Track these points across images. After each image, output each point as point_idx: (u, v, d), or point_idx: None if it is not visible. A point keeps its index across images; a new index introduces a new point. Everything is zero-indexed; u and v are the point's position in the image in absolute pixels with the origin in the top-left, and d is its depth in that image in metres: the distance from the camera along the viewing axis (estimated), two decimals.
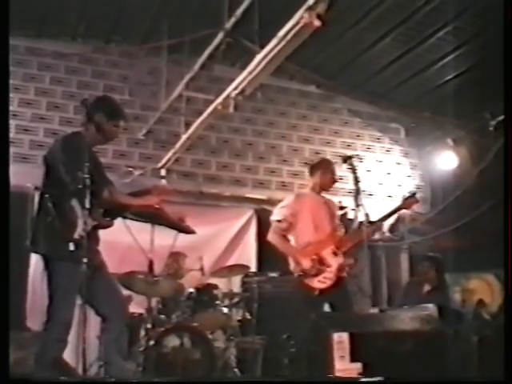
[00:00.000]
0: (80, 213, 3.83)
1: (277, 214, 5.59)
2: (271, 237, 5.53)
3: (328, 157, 8.89)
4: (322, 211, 5.53)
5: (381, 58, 8.00)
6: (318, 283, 5.24)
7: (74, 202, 3.87)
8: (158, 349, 5.40)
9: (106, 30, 7.96)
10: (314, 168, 5.71)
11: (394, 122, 9.61)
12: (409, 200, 5.59)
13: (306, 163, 5.58)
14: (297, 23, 4.69)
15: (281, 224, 5.49)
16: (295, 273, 5.36)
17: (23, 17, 6.77)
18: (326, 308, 5.36)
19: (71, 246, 3.79)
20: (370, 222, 5.40)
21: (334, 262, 5.29)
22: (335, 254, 5.30)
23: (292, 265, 5.42)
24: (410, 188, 9.36)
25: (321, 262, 5.28)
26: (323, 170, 5.63)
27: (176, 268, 6.70)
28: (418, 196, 5.68)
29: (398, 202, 5.66)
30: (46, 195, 3.99)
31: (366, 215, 5.08)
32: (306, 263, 5.27)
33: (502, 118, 7.61)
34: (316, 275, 5.25)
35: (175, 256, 6.58)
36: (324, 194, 5.69)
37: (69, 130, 4.40)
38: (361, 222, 5.17)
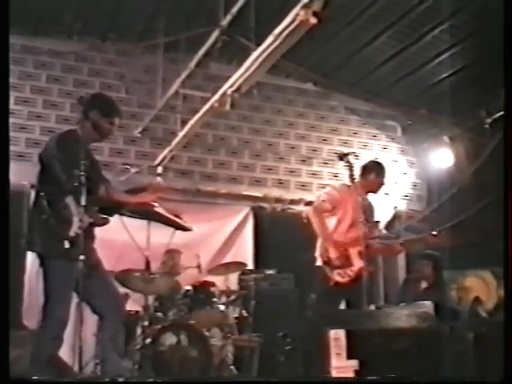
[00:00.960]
0: (75, 210, 3.83)
1: (325, 193, 5.64)
2: (311, 213, 5.53)
3: (325, 154, 9.03)
4: (363, 211, 5.47)
5: (377, 55, 8.00)
6: (338, 276, 5.31)
7: (70, 200, 3.87)
8: (154, 347, 5.40)
9: (102, 28, 7.95)
10: (367, 169, 5.71)
11: (390, 119, 9.61)
12: (435, 238, 5.61)
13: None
14: (293, 21, 4.68)
15: (325, 204, 5.52)
16: (320, 259, 5.38)
17: (19, 15, 6.75)
18: (343, 306, 5.43)
19: (67, 244, 3.79)
20: (401, 244, 5.49)
21: (356, 263, 5.33)
22: (361, 256, 5.32)
23: (319, 251, 5.44)
24: (406, 185, 9.45)
25: (346, 258, 5.33)
26: (377, 174, 5.65)
27: (172, 265, 6.69)
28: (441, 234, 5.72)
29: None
30: (42, 193, 3.99)
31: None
32: (334, 253, 5.31)
33: (498, 115, 7.62)
34: (338, 268, 5.30)
35: (171, 253, 6.57)
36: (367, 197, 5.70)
37: (65, 128, 4.39)
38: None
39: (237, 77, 5.70)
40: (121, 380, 4.00)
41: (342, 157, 5.34)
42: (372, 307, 6.43)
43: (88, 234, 3.99)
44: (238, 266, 7.03)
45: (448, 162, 8.89)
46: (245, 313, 6.70)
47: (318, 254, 5.45)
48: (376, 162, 5.88)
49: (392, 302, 7.66)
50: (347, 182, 5.33)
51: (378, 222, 5.57)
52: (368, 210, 5.59)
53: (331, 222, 5.54)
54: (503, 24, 4.20)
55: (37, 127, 7.76)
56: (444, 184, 8.85)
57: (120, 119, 4.41)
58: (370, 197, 5.78)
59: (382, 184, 5.72)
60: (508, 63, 4.00)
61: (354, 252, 5.36)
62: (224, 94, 5.92)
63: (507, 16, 4.16)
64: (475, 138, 8.37)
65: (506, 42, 4.11)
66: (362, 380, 3.79)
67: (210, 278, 6.66)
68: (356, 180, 5.41)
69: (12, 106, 7.54)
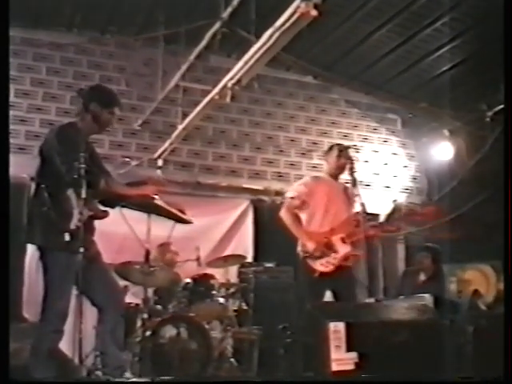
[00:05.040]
0: (76, 203, 3.82)
1: (292, 190, 5.62)
2: (283, 213, 5.53)
3: (325, 147, 9.01)
4: (339, 198, 5.48)
5: (377, 48, 8.00)
6: (321, 266, 5.24)
7: (70, 193, 3.87)
8: (154, 339, 5.40)
9: (102, 21, 7.95)
10: (327, 154, 5.67)
11: (390, 112, 9.61)
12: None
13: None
14: (293, 13, 4.66)
15: (294, 201, 5.50)
16: (301, 253, 5.35)
17: (19, 7, 6.74)
18: (329, 296, 5.37)
19: (67, 237, 3.78)
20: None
21: (341, 249, 5.27)
22: (344, 241, 5.28)
23: (299, 246, 5.40)
24: (406, 179, 9.45)
25: (328, 246, 5.28)
26: (336, 155, 5.54)
27: (164, 259, 6.65)
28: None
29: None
30: (42, 185, 3.98)
31: (363, 205, 5.08)
32: (312, 245, 5.26)
33: (498, 108, 7.61)
34: (319, 258, 5.25)
35: (162, 247, 6.55)
36: (343, 181, 5.64)
37: (65, 121, 4.38)
38: (357, 213, 5.17)
39: (237, 69, 5.69)
40: (120, 380, 4.02)
41: (342, 150, 5.34)
42: (371, 300, 6.45)
43: (88, 226, 3.98)
44: (238, 258, 7.03)
45: (448, 156, 8.89)
46: (244, 305, 6.71)
47: (299, 249, 5.40)
48: (334, 144, 5.81)
49: (391, 294, 7.66)
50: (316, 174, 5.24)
51: (363, 204, 5.40)
52: (346, 194, 5.50)
53: (310, 214, 5.47)
54: (503, 17, 4.19)
55: (37, 120, 7.77)
56: (444, 177, 8.85)
57: (119, 109, 4.41)
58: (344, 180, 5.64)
59: (345, 163, 5.44)
60: (508, 56, 3.99)
61: (336, 239, 5.28)
62: (224, 86, 5.91)
63: (507, 9, 4.16)
64: (475, 132, 8.36)
65: (506, 35, 4.10)
66: (362, 379, 3.79)
67: (210, 271, 6.67)
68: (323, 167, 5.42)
69: (12, 98, 7.55)
